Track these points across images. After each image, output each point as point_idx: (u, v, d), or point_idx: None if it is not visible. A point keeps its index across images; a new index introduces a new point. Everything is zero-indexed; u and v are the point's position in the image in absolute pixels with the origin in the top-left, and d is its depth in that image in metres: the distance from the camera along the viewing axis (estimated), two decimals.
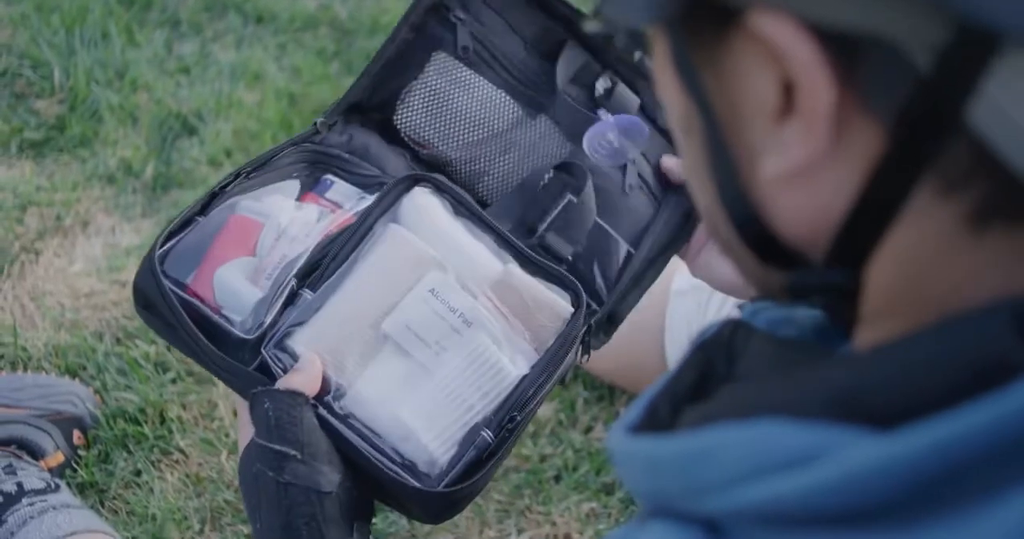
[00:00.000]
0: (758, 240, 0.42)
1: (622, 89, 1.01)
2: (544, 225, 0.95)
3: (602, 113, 1.00)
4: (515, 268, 0.89)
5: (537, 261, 0.90)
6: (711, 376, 0.46)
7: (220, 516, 1.28)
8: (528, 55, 1.02)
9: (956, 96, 0.32)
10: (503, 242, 0.91)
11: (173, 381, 1.39)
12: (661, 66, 0.42)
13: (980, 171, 0.34)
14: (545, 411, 1.39)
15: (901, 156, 0.35)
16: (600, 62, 1.03)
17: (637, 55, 0.99)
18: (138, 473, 1.31)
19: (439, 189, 0.92)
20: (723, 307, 1.29)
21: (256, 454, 0.78)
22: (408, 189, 0.91)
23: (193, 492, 1.29)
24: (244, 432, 0.83)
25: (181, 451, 1.33)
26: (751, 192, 0.41)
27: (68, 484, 1.28)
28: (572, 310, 0.89)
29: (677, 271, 1.34)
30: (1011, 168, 0.32)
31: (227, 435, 1.34)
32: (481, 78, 1.01)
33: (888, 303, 0.39)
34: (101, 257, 1.54)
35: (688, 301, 1.33)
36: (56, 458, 1.28)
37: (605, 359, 1.27)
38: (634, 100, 1.02)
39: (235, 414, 1.34)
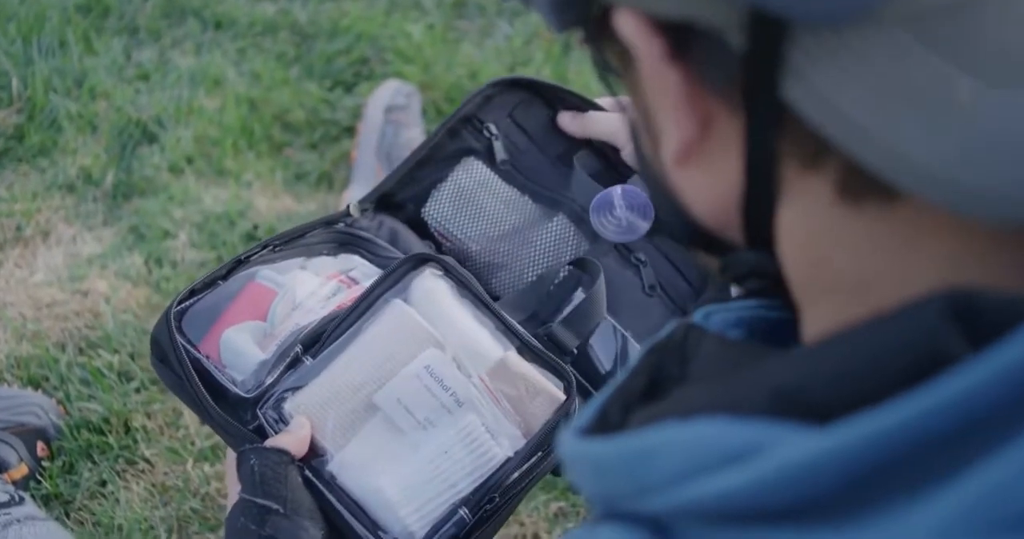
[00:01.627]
0: (684, 230, 0.44)
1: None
2: (556, 320, 0.97)
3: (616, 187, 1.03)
4: (513, 354, 0.90)
5: (536, 349, 0.92)
6: (663, 379, 0.46)
7: (187, 525, 1.27)
8: (552, 169, 1.08)
9: (768, 72, 0.34)
10: (505, 328, 0.93)
11: (137, 390, 1.38)
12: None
13: (828, 146, 0.35)
14: None
15: (754, 135, 0.37)
16: (618, 172, 1.06)
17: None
18: (103, 483, 1.30)
19: (446, 271, 0.94)
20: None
21: (242, 509, 0.80)
22: (415, 267, 0.94)
23: (159, 501, 1.29)
24: (233, 489, 0.85)
25: (146, 460, 1.32)
26: (666, 181, 0.43)
27: (33, 496, 1.27)
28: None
29: None
30: (834, 145, 0.34)
31: (192, 444, 1.34)
32: (505, 183, 1.07)
33: (812, 288, 0.40)
34: (62, 267, 1.53)
35: None
36: (20, 470, 1.27)
37: None
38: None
39: (201, 423, 1.34)
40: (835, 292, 0.38)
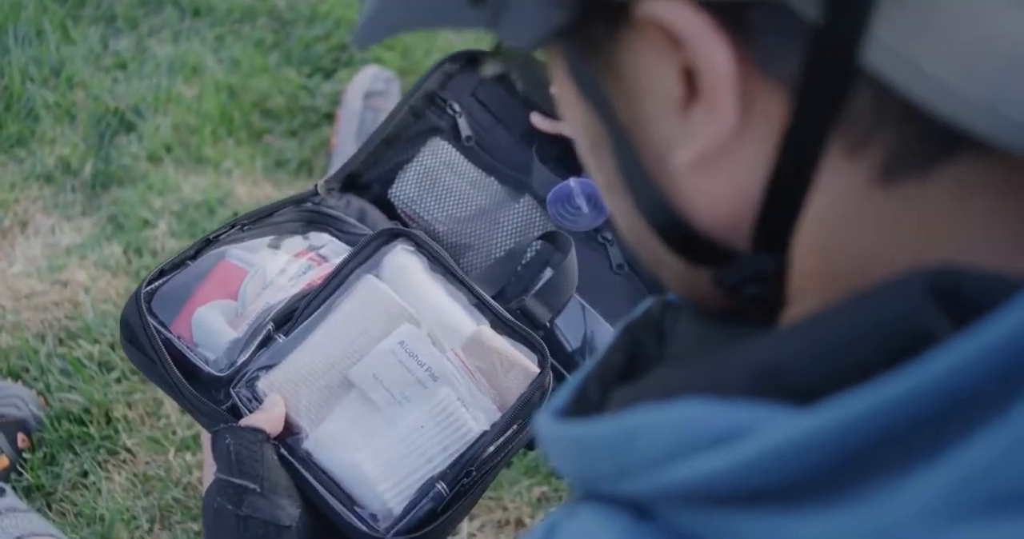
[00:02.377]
0: (682, 241, 0.42)
1: None
2: (527, 294, 0.98)
3: (572, 178, 1.04)
4: (487, 328, 0.90)
5: (510, 322, 0.92)
6: (641, 357, 0.46)
7: (169, 514, 1.27)
8: (515, 145, 1.08)
9: (849, 41, 0.32)
10: (478, 302, 0.92)
11: (118, 380, 1.38)
12: (561, 86, 0.42)
13: (885, 122, 0.34)
14: None
15: (806, 117, 0.35)
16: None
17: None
18: (85, 474, 1.30)
19: (418, 245, 0.94)
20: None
21: (217, 489, 0.79)
22: (387, 242, 0.94)
23: (141, 491, 1.28)
24: (209, 470, 0.84)
25: (128, 450, 1.32)
26: (666, 191, 0.40)
27: (14, 488, 1.26)
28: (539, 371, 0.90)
29: None
30: (920, 107, 0.33)
31: (174, 433, 1.34)
32: (471, 163, 1.08)
33: (813, 278, 0.39)
34: (41, 257, 1.52)
35: None
36: (0, 462, 1.27)
37: None
38: None
39: (182, 412, 1.33)
40: (837, 279, 0.38)
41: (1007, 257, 0.35)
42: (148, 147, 1.65)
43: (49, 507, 1.27)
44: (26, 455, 1.30)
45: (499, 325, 0.92)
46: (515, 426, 0.88)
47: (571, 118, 0.43)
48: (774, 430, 0.33)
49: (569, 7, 0.36)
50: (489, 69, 0.42)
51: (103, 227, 1.56)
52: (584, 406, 0.44)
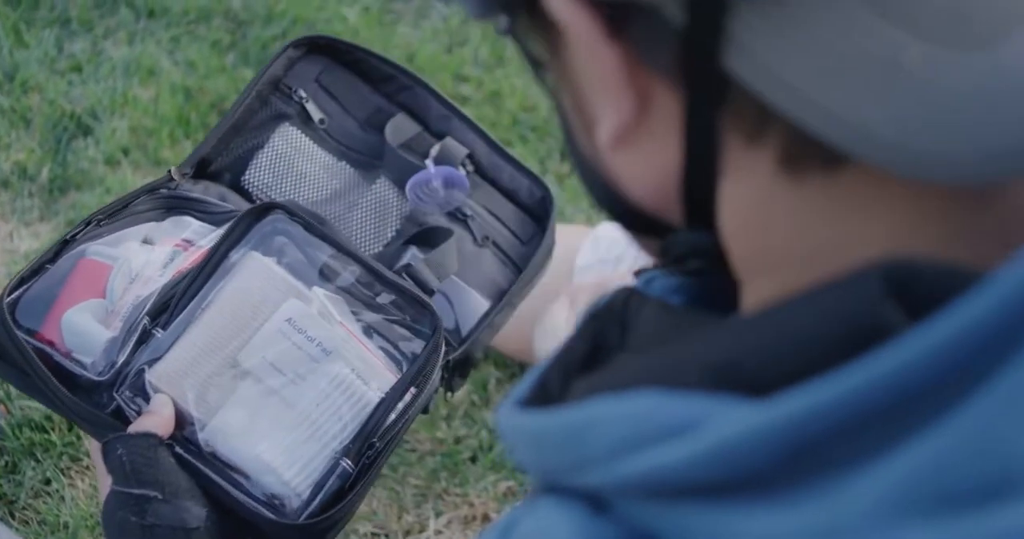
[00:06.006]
0: (623, 214, 0.43)
1: (451, 146, 1.08)
2: (403, 260, 0.98)
3: (428, 163, 1.06)
4: (377, 286, 0.89)
5: (396, 282, 0.92)
6: (604, 346, 0.46)
7: None
8: (363, 132, 1.10)
9: (710, 46, 0.33)
10: (362, 263, 0.92)
11: None
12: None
13: (770, 117, 0.34)
14: (458, 393, 1.39)
15: (694, 107, 0.36)
16: (432, 134, 1.10)
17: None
18: (47, 482, 1.29)
19: (291, 214, 0.92)
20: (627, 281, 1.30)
21: (117, 502, 0.77)
22: (259, 218, 0.91)
23: None
24: (103, 482, 0.82)
25: (90, 457, 1.31)
26: (601, 167, 0.42)
27: None
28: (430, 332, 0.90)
29: (582, 245, 1.34)
30: (788, 119, 0.33)
31: None
32: (321, 149, 1.08)
33: (751, 260, 0.39)
34: (0, 263, 1.51)
35: (592, 275, 1.34)
36: None
37: (514, 339, 1.28)
38: (462, 151, 1.09)
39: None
40: (777, 266, 0.38)
41: (944, 246, 0.35)
42: (105, 150, 1.64)
43: (12, 516, 1.26)
44: None
45: (388, 286, 0.92)
46: (412, 390, 0.87)
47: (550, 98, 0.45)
48: (726, 423, 0.33)
49: None
50: (501, 23, 0.44)
51: (61, 232, 1.54)
52: (545, 396, 0.44)
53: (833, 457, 0.32)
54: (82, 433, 0.87)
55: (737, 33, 0.33)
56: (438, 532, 1.29)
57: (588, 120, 0.40)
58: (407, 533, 1.28)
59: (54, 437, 1.31)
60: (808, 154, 0.35)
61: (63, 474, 1.29)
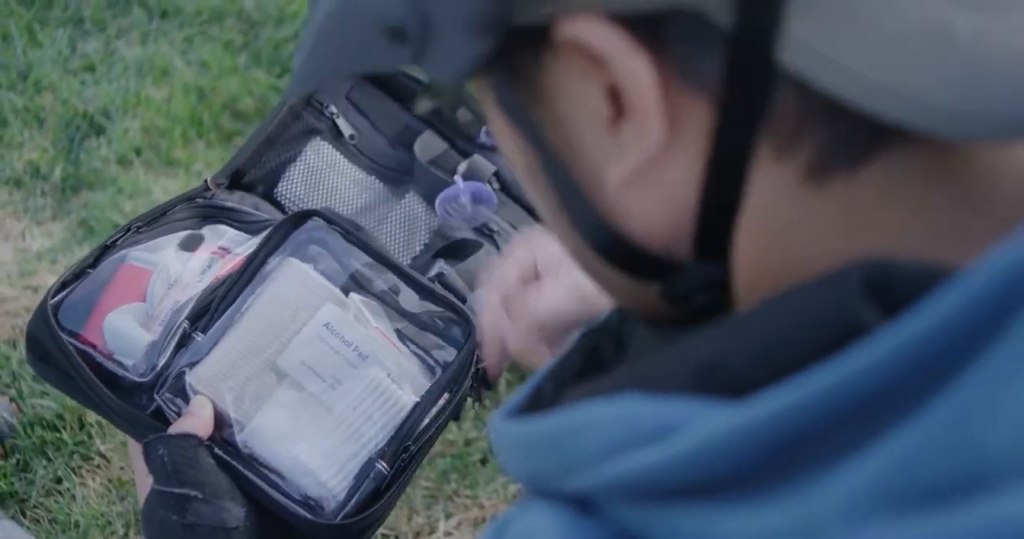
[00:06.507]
0: (624, 258, 0.42)
1: (479, 162, 1.10)
2: (435, 268, 0.99)
3: (457, 179, 1.08)
4: (411, 293, 0.90)
5: (431, 288, 0.93)
6: (598, 361, 0.46)
7: None
8: (392, 149, 1.12)
9: (764, 43, 0.33)
10: (397, 270, 0.93)
11: None
12: (493, 116, 0.42)
13: (811, 121, 0.34)
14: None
15: (732, 123, 0.35)
16: (459, 151, 1.12)
17: (483, 131, 1.11)
18: (59, 480, 1.29)
19: (329, 222, 0.93)
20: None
21: (158, 501, 0.78)
22: (296, 225, 0.93)
23: (116, 496, 1.28)
24: (142, 482, 0.83)
25: (102, 456, 1.31)
26: (603, 211, 0.41)
27: None
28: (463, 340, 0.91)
29: None
30: (843, 102, 0.33)
31: None
32: (351, 164, 1.10)
33: (757, 281, 0.39)
34: (12, 263, 1.51)
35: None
36: None
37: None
38: (489, 168, 1.11)
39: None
40: (778, 280, 0.38)
41: (938, 243, 0.36)
42: (118, 150, 1.64)
43: (23, 514, 1.27)
44: None
45: (422, 293, 0.93)
46: (447, 394, 0.88)
47: (506, 147, 0.43)
48: (706, 424, 0.33)
49: (490, 37, 0.36)
50: (422, 106, 0.42)
51: (73, 231, 1.55)
52: (538, 405, 0.44)
53: (810, 455, 0.33)
54: (114, 432, 0.88)
55: (791, 27, 0.32)
56: (448, 534, 1.29)
57: (587, 163, 0.40)
58: (417, 535, 1.28)
59: (65, 435, 1.31)
60: (835, 156, 0.35)
61: (74, 473, 1.30)
